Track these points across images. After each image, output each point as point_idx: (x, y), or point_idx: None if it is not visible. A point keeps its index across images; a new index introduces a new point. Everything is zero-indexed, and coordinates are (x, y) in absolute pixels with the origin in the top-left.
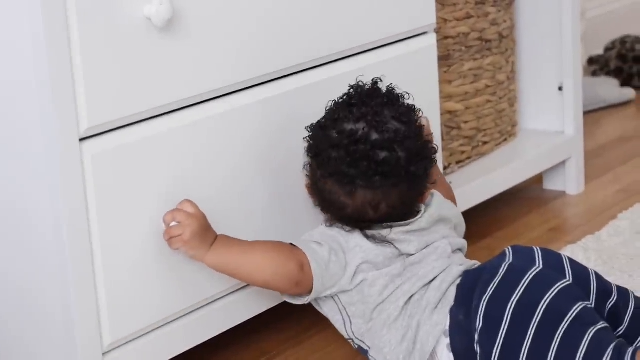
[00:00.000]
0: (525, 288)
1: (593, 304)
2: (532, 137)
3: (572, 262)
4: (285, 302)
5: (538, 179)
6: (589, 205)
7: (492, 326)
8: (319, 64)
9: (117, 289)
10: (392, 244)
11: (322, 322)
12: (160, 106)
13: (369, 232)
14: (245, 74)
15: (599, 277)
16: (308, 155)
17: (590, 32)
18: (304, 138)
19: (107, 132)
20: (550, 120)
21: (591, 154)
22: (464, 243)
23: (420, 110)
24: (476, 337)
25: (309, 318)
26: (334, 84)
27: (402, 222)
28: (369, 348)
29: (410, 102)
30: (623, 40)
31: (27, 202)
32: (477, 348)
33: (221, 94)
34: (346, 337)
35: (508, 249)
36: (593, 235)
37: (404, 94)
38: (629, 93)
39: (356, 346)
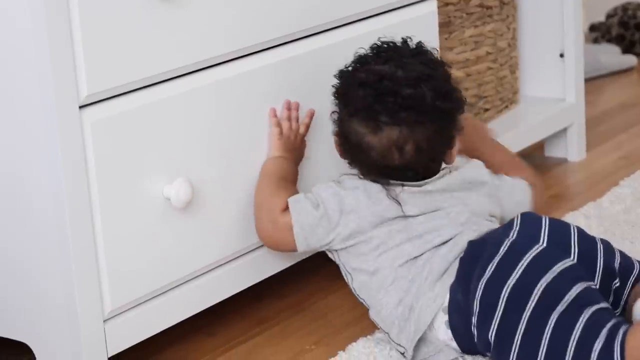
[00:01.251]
0: (523, 270)
1: (598, 283)
2: (534, 104)
3: (581, 236)
4: (285, 270)
5: (539, 146)
6: (591, 172)
7: (488, 311)
8: (319, 30)
9: (117, 256)
10: (400, 203)
11: (323, 290)
12: (160, 73)
13: (384, 186)
14: (242, 41)
15: (607, 251)
16: (335, 98)
17: None
18: (332, 85)
19: (107, 99)
20: (551, 87)
21: (592, 121)
22: (492, 211)
23: (447, 64)
24: (473, 320)
25: (309, 286)
26: (333, 52)
27: (415, 183)
28: (369, 307)
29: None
30: (625, 7)
31: (26, 170)
32: (474, 330)
33: (221, 61)
34: (352, 291)
35: (517, 217)
36: (594, 202)
37: (433, 49)
38: (630, 60)
39: (360, 301)
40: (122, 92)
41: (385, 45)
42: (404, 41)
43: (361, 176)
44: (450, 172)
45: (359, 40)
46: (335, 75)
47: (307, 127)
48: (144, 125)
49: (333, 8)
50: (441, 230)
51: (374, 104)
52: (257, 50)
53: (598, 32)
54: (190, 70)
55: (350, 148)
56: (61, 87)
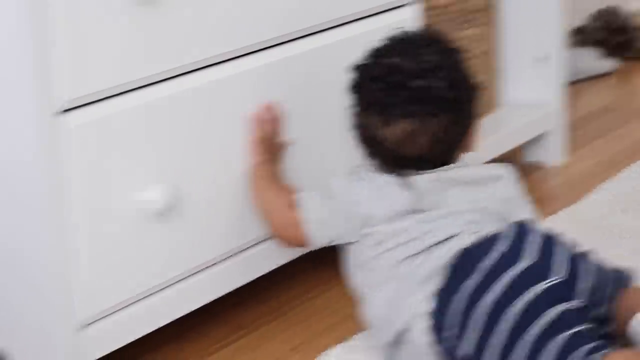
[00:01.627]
0: (502, 289)
1: (585, 302)
2: (514, 108)
3: (571, 253)
4: (264, 275)
5: (518, 151)
6: (569, 177)
7: (463, 327)
8: (300, 35)
9: (94, 263)
10: (415, 192)
11: (301, 295)
12: (143, 77)
13: (399, 177)
14: (227, 45)
15: (598, 270)
16: (351, 92)
17: (574, 2)
18: (348, 79)
19: (89, 104)
20: (531, 91)
21: (572, 125)
22: (500, 210)
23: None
24: (449, 333)
25: (287, 291)
26: (314, 57)
27: (429, 170)
28: (362, 304)
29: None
30: (606, 11)
31: (9, 174)
32: (450, 343)
33: (203, 66)
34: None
35: (511, 226)
36: (573, 206)
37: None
38: (609, 64)
39: (356, 296)
40: (104, 96)
41: (400, 36)
42: (422, 30)
43: (376, 169)
44: (468, 165)
45: (340, 45)
46: (351, 69)
47: (280, 126)
48: (127, 130)
49: (314, 13)
50: (436, 231)
51: (385, 98)
52: (242, 53)
53: (580, 36)
54: (173, 75)
55: (366, 140)
56: (43, 92)
